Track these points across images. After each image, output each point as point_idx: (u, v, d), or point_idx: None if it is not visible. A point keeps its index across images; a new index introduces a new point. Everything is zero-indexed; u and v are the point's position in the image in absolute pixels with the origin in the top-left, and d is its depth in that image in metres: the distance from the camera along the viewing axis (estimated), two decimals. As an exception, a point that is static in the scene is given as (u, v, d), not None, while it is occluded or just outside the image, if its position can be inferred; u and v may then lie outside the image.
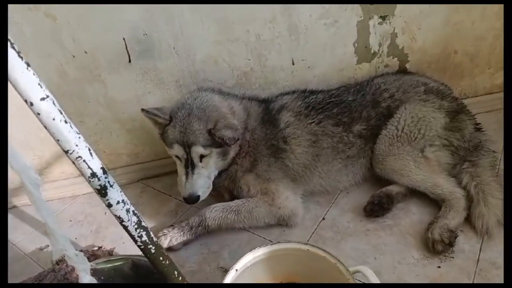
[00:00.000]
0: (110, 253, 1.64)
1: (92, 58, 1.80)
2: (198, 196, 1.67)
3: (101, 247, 1.70)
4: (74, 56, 1.78)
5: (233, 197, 1.84)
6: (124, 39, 1.77)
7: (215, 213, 1.69)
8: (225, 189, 1.88)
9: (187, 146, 1.65)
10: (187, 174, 1.67)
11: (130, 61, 1.84)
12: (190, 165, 1.67)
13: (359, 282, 1.38)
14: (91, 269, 1.35)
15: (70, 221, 1.98)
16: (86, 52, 1.78)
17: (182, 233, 1.67)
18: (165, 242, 1.64)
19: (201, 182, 1.68)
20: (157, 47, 1.83)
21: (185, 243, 1.69)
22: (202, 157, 1.67)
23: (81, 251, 1.63)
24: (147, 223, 1.85)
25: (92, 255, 1.59)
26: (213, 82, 1.97)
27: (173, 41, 1.83)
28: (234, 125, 1.63)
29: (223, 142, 1.58)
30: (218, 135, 1.57)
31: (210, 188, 1.74)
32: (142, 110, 1.69)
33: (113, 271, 1.40)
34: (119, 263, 1.40)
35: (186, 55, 1.88)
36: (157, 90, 1.95)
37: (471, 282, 1.41)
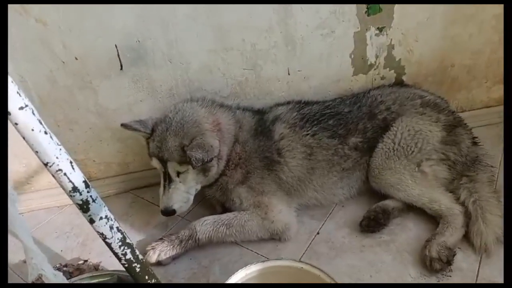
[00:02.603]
0: (96, 267, 1.58)
1: (82, 65, 1.76)
2: (174, 210, 1.67)
3: (86, 260, 1.63)
4: (64, 62, 1.74)
5: (225, 210, 1.79)
6: (116, 46, 1.74)
7: (205, 226, 1.64)
8: (217, 201, 1.83)
9: (163, 161, 1.64)
10: (164, 187, 1.68)
11: (122, 68, 1.80)
12: (167, 179, 1.67)
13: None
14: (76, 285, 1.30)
15: (56, 232, 1.91)
16: (76, 59, 1.74)
17: (171, 247, 1.61)
18: (153, 257, 1.59)
19: (177, 197, 1.67)
20: (150, 55, 1.79)
21: (174, 257, 1.64)
22: (179, 172, 1.65)
23: (66, 265, 1.58)
24: (137, 235, 1.84)
25: (77, 269, 1.53)
26: (207, 91, 1.93)
27: (167, 49, 1.79)
28: (208, 145, 1.57)
29: (190, 162, 1.52)
30: (188, 155, 1.52)
31: (190, 203, 1.73)
32: (122, 125, 1.68)
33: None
34: (104, 279, 1.34)
35: (179, 63, 1.84)
36: (150, 98, 1.91)
37: (469, 302, 1.37)
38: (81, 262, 1.62)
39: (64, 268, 1.53)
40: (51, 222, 2.00)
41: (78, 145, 1.96)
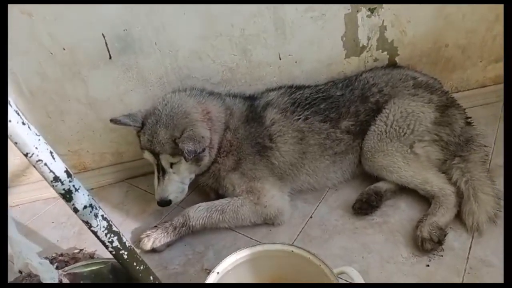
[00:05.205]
0: (91, 256, 1.59)
1: (71, 55, 1.74)
2: (170, 201, 1.68)
3: (82, 249, 1.65)
4: (52, 53, 1.72)
5: (219, 196, 1.80)
6: (103, 35, 1.72)
7: (199, 213, 1.65)
8: (210, 188, 1.84)
9: (155, 154, 1.65)
10: (158, 179, 1.69)
11: (110, 57, 1.78)
12: (161, 171, 1.68)
13: (345, 282, 1.35)
14: (70, 273, 1.32)
15: (53, 222, 1.93)
16: (64, 49, 1.72)
17: (165, 234, 1.63)
18: (148, 244, 1.60)
19: (172, 188, 1.68)
20: (138, 43, 1.77)
21: (169, 244, 1.65)
22: (172, 163, 1.66)
23: (61, 254, 1.60)
24: (133, 223, 1.86)
25: (72, 259, 1.54)
26: (197, 78, 1.92)
27: (155, 36, 1.77)
28: (199, 136, 1.57)
29: (183, 155, 1.52)
30: (180, 147, 1.52)
31: (185, 192, 1.74)
32: (111, 120, 1.68)
33: (93, 275, 1.35)
34: (98, 267, 1.35)
35: (168, 51, 1.82)
36: (140, 87, 1.90)
37: (460, 280, 1.38)
38: (76, 251, 1.63)
39: (60, 258, 1.55)
40: (47, 212, 2.02)
41: (71, 136, 1.96)
